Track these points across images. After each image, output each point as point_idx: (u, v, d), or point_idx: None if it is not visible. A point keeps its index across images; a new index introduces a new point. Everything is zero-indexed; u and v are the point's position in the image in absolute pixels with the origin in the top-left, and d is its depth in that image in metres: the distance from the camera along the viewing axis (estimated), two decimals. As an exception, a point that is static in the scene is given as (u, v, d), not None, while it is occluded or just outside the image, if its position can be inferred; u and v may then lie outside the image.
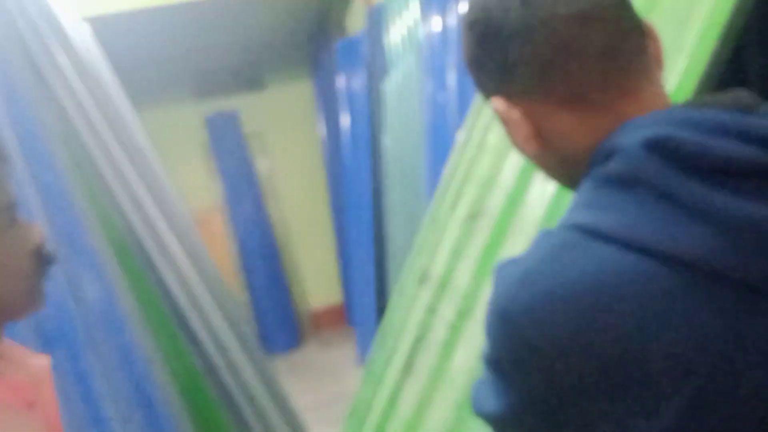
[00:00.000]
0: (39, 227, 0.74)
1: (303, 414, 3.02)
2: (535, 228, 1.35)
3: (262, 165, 5.49)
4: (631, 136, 0.59)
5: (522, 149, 0.72)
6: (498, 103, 0.69)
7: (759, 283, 0.54)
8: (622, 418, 0.56)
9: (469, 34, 0.69)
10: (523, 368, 0.61)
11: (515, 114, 0.68)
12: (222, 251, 5.25)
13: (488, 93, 0.72)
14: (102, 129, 2.55)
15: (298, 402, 3.02)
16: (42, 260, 0.73)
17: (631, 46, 0.64)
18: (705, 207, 0.54)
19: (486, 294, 1.42)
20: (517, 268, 0.61)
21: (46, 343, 1.96)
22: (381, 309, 4.16)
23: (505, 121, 0.70)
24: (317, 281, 5.62)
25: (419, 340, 1.59)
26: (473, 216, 1.56)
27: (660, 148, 0.56)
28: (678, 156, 0.56)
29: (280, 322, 5.27)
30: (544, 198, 1.34)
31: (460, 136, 1.85)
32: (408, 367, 1.58)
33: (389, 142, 4.05)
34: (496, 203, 1.48)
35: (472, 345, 1.41)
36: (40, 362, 0.79)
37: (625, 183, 0.58)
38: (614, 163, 0.59)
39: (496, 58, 0.67)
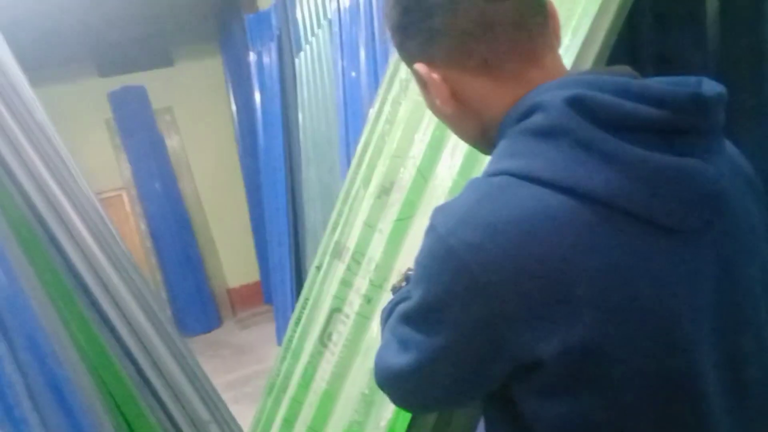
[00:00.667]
0: None
1: (222, 392, 3.01)
2: (443, 200, 1.39)
3: (172, 142, 5.34)
4: (551, 95, 0.67)
5: (440, 111, 0.80)
6: (420, 67, 0.76)
7: (661, 220, 0.65)
8: (535, 338, 0.64)
9: (396, 2, 0.75)
10: (462, 301, 0.66)
11: (436, 77, 0.75)
12: (132, 231, 5.09)
13: (411, 58, 0.78)
14: (-3, 106, 2.42)
15: (217, 381, 3.00)
16: None
17: (537, 21, 0.72)
18: (616, 154, 0.63)
19: (401, 265, 1.46)
20: (456, 210, 0.68)
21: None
22: (298, 286, 4.17)
23: (427, 84, 0.77)
24: (233, 260, 5.55)
25: (335, 313, 1.62)
26: (385, 190, 1.59)
27: (579, 105, 0.65)
28: (593, 112, 0.64)
29: (196, 302, 5.17)
30: (452, 171, 1.38)
31: (371, 112, 1.87)
32: (324, 339, 1.60)
33: (303, 118, 4.02)
34: (407, 177, 1.51)
35: (386, 315, 1.44)
36: None
37: (548, 134, 0.66)
38: (538, 117, 0.67)
39: (420, 26, 0.73)
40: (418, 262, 0.71)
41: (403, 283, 1.03)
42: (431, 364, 0.72)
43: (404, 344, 0.76)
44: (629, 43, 1.49)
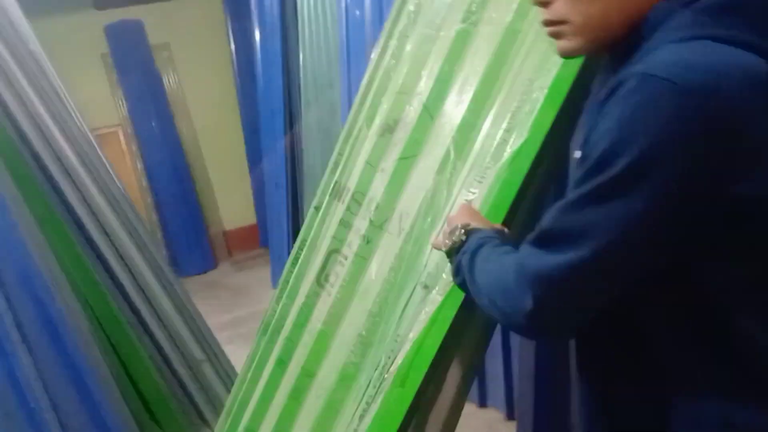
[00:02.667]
0: None
1: (216, 333, 3.01)
2: (449, 141, 1.33)
3: (169, 80, 5.22)
4: None
5: None
6: None
7: None
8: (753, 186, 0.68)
9: None
10: (689, 148, 0.66)
11: None
12: (127, 169, 5.02)
13: None
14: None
15: (211, 322, 2.99)
16: None
17: None
18: None
19: (403, 205, 1.41)
20: (675, 61, 0.69)
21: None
22: (295, 230, 4.14)
23: None
24: (229, 202, 5.50)
25: (333, 254, 1.58)
26: (389, 128, 1.53)
27: None
28: None
29: (192, 243, 5.15)
30: (461, 107, 1.32)
31: (374, 53, 1.79)
32: (321, 280, 1.57)
33: (303, 57, 3.91)
34: (413, 114, 1.45)
35: (387, 257, 1.40)
36: None
37: (728, 10, 0.72)
38: None
39: None
40: (627, 120, 0.68)
41: (463, 237, 0.99)
42: (616, 247, 0.70)
43: (567, 238, 0.72)
44: None
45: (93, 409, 2.12)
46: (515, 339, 2.37)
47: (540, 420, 1.99)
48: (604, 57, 0.87)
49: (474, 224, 1.02)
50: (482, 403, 2.64)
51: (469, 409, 2.61)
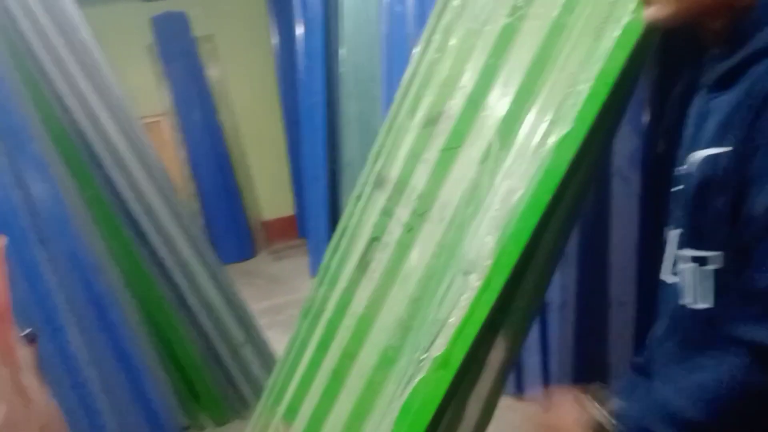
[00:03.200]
0: None
1: (255, 319, 3.07)
2: (494, 130, 1.36)
3: (212, 71, 5.32)
4: None
5: None
6: None
7: None
8: None
9: None
10: None
11: None
12: (171, 158, 5.14)
13: None
14: (44, 22, 2.42)
15: (249, 308, 3.06)
16: None
17: None
18: None
19: (445, 195, 1.44)
20: None
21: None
22: (333, 221, 4.19)
23: None
24: (269, 192, 5.58)
25: (374, 241, 1.61)
26: (432, 120, 1.56)
27: None
28: None
29: (232, 231, 5.24)
30: (506, 100, 1.35)
31: (417, 48, 1.81)
32: (362, 266, 1.61)
33: (345, 52, 3.95)
34: (456, 106, 1.48)
35: (428, 244, 1.44)
36: None
37: None
38: None
39: None
40: None
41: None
42: None
43: None
44: None
45: (137, 382, 2.20)
46: (553, 335, 2.39)
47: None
48: (694, 41, 0.84)
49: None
50: (520, 396, 2.67)
51: (507, 401, 2.64)
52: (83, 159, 2.47)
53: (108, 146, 2.54)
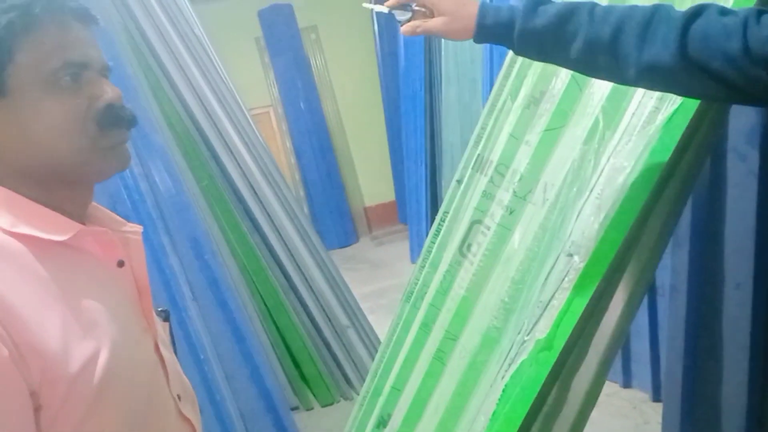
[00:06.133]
0: (110, 86, 0.70)
1: (360, 303, 3.15)
2: (598, 110, 1.33)
3: (316, 61, 5.44)
4: None
5: None
6: None
7: None
8: None
9: None
10: None
11: None
12: (278, 148, 5.33)
13: None
14: (162, 20, 2.56)
15: (354, 292, 3.13)
16: (113, 119, 0.69)
17: None
18: None
19: (547, 176, 1.43)
20: None
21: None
22: (434, 206, 4.21)
23: None
24: (370, 179, 5.67)
25: (475, 224, 1.62)
26: (534, 100, 1.54)
27: None
28: None
29: (335, 217, 5.38)
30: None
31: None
32: (463, 249, 1.62)
33: (445, 36, 3.94)
34: (559, 86, 1.45)
35: (530, 227, 1.43)
36: (132, 227, 0.80)
37: None
38: None
39: None
40: None
41: None
42: None
43: None
44: None
45: (251, 362, 2.31)
46: (663, 320, 2.30)
47: (688, 403, 1.92)
48: None
49: None
50: (626, 383, 2.60)
51: (613, 388, 2.58)
52: (200, 150, 2.61)
53: (222, 138, 2.67)
